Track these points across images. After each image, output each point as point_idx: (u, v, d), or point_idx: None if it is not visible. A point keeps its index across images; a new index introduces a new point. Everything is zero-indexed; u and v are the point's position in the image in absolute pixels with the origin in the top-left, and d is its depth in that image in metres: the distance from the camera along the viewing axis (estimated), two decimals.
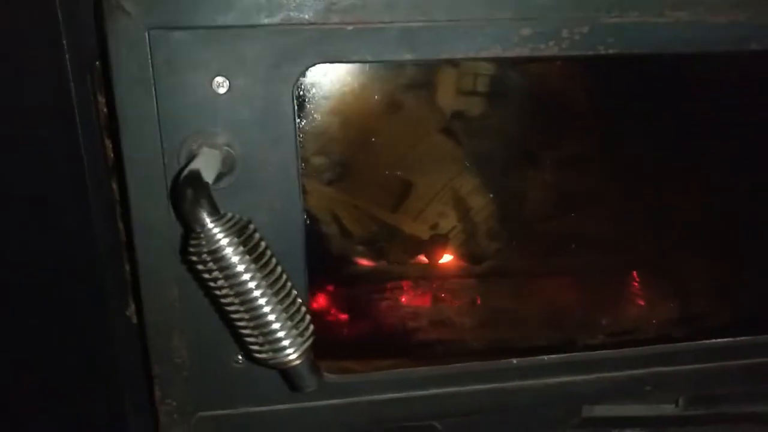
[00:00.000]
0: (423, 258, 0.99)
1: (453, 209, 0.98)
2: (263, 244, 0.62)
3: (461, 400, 0.88)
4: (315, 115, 0.82)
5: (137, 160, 0.71)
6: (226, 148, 0.72)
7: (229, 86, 0.70)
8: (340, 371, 0.86)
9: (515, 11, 0.71)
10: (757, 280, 1.00)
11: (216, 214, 0.60)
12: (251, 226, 0.62)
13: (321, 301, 0.93)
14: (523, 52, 0.73)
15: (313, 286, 0.84)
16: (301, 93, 0.80)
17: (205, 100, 0.70)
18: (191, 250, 0.60)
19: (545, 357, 0.89)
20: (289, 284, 0.63)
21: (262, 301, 0.60)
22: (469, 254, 1.01)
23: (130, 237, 0.75)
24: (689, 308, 1.04)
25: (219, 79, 0.70)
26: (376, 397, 0.86)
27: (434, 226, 0.99)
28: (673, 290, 1.06)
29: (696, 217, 1.00)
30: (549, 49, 0.74)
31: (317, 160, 0.83)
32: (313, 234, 0.88)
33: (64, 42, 0.74)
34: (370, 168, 0.89)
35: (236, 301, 0.60)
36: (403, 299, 1.00)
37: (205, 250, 0.58)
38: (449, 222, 0.99)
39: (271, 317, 0.61)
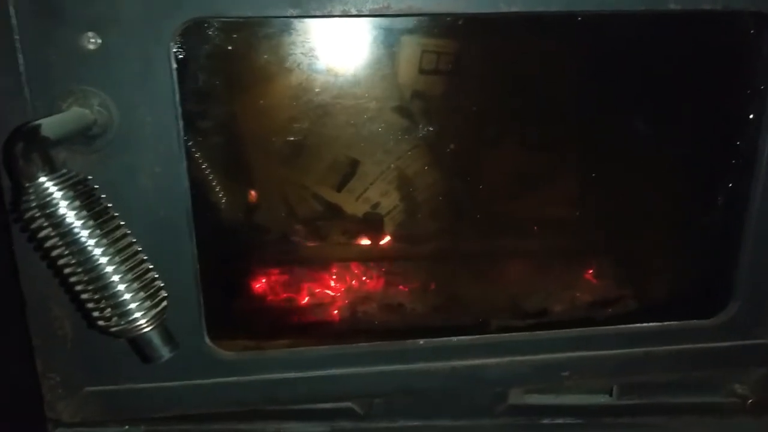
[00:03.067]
0: (337, 236, 0.96)
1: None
2: (104, 203, 0.59)
3: (363, 382, 0.84)
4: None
5: (4, 121, 0.68)
6: (98, 108, 0.69)
7: (101, 42, 0.68)
8: (238, 349, 0.83)
9: None
10: (686, 261, 0.95)
11: (48, 169, 0.57)
12: (89, 183, 0.59)
13: (224, 275, 0.90)
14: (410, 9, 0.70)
15: (213, 260, 0.81)
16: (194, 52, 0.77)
17: (75, 57, 0.67)
18: (22, 207, 0.56)
19: (453, 338, 0.85)
20: (136, 248, 0.60)
21: (103, 260, 0.57)
22: (390, 233, 0.98)
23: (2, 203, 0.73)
24: (613, 290, 0.99)
25: (89, 34, 0.67)
26: (271, 376, 0.82)
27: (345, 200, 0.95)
28: (598, 271, 1.01)
29: (625, 195, 0.95)
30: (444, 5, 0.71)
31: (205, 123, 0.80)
32: (212, 206, 0.85)
33: None
34: (272, 135, 0.86)
35: (73, 261, 0.57)
36: (314, 277, 0.96)
37: (34, 204, 0.55)
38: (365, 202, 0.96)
39: (115, 278, 0.58)
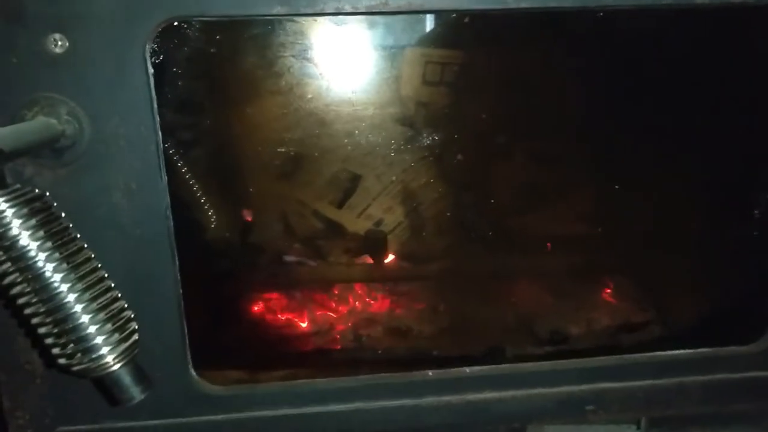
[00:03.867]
0: (338, 256, 0.89)
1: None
2: (64, 222, 0.52)
3: (367, 418, 0.76)
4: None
5: None
6: (67, 118, 0.63)
7: (68, 45, 0.61)
8: (227, 382, 0.75)
9: None
10: (721, 281, 0.87)
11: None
12: (47, 200, 0.52)
13: (210, 301, 0.82)
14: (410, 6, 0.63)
15: (198, 285, 0.74)
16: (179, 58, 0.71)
17: (40, 61, 0.61)
18: None
19: (466, 369, 0.77)
20: (101, 273, 0.53)
21: (63, 287, 0.50)
22: (392, 254, 0.90)
23: None
24: (641, 315, 0.90)
25: (55, 36, 0.61)
26: (264, 413, 0.74)
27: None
28: (624, 294, 0.93)
29: (652, 210, 0.87)
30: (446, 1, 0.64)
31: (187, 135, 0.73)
32: (196, 225, 0.78)
33: None
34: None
35: (28, 289, 0.49)
36: (312, 302, 0.89)
37: None
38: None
39: (77, 308, 0.50)
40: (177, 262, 0.69)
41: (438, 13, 0.74)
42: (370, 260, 0.94)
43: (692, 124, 0.84)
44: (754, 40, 0.78)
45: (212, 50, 0.69)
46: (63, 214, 0.52)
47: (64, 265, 0.50)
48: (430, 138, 0.86)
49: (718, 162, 0.85)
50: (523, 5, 0.66)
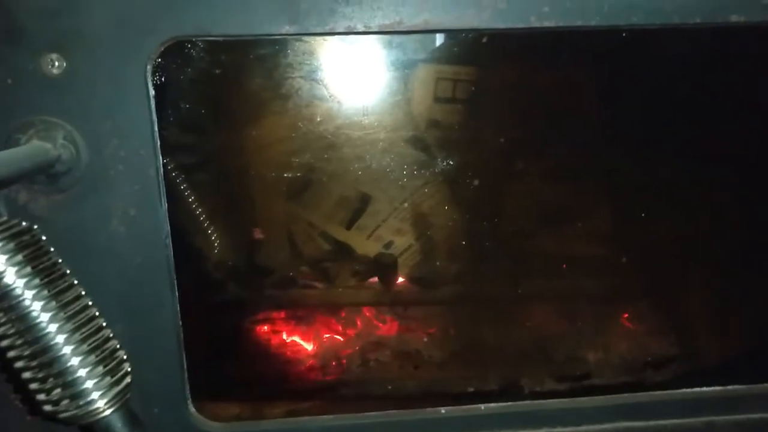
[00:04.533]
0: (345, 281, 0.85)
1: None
2: (53, 257, 0.48)
3: None
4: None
5: None
6: (63, 142, 0.59)
7: (66, 66, 0.58)
8: (228, 419, 0.71)
9: None
10: (753, 313, 0.83)
11: None
12: (36, 233, 0.48)
13: (211, 333, 0.78)
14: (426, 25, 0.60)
15: (199, 316, 0.70)
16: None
17: (35, 83, 0.58)
18: None
19: (482, 406, 0.72)
20: (92, 312, 0.49)
21: (51, 328, 0.46)
22: (394, 281, 0.87)
23: None
24: (667, 348, 0.86)
25: (52, 56, 0.58)
26: None
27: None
28: (649, 327, 0.88)
29: (689, 247, 0.83)
30: (465, 19, 0.60)
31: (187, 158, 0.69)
32: (196, 254, 0.75)
33: None
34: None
35: (12, 331, 0.46)
36: (317, 334, 0.85)
37: None
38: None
39: (66, 351, 0.47)
40: (177, 293, 0.65)
41: (455, 33, 0.70)
42: (378, 283, 0.90)
43: (721, 147, 0.80)
44: None
45: (217, 71, 0.66)
46: (52, 249, 0.48)
47: (53, 304, 0.47)
48: (442, 159, 0.82)
49: (751, 192, 0.81)
50: (547, 24, 0.62)
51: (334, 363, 0.84)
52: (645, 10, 0.63)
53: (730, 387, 0.76)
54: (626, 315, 0.91)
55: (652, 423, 0.75)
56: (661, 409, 0.75)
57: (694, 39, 0.73)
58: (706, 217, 0.84)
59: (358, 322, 0.90)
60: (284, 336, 0.85)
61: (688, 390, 0.76)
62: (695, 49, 0.75)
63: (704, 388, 0.76)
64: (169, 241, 0.64)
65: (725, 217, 0.85)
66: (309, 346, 0.85)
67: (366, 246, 0.88)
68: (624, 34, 0.68)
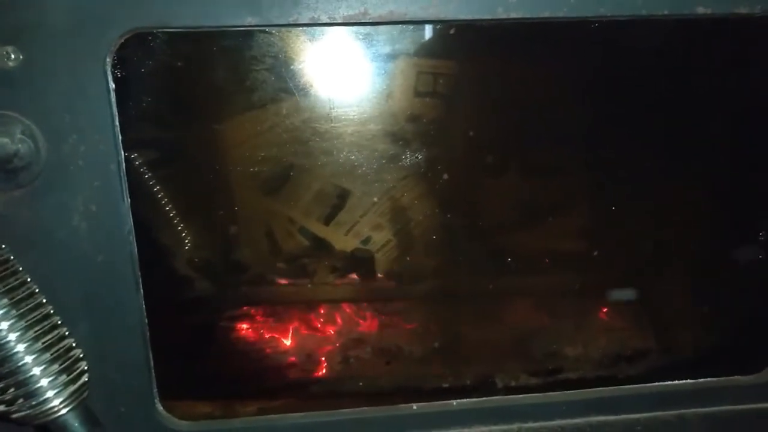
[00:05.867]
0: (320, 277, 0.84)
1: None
2: (4, 254, 0.47)
3: None
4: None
5: None
6: (21, 137, 0.58)
7: (22, 59, 0.57)
8: (196, 417, 0.70)
9: None
10: (725, 308, 0.83)
11: None
12: None
13: (178, 330, 0.77)
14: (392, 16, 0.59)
15: (165, 313, 0.69)
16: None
17: None
18: None
19: (453, 402, 0.72)
20: (48, 310, 0.49)
21: (2, 325, 0.46)
22: (367, 276, 0.86)
23: None
24: (639, 342, 0.86)
25: (8, 49, 0.57)
26: None
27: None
28: (621, 321, 0.88)
29: (661, 242, 0.83)
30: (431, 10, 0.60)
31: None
32: (161, 250, 0.73)
33: None
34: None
35: None
36: (288, 329, 0.84)
37: None
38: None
39: (19, 349, 0.46)
40: (141, 289, 0.64)
41: (421, 24, 0.70)
42: (356, 279, 0.89)
43: (696, 144, 0.80)
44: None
45: (179, 64, 0.65)
46: (3, 246, 0.47)
47: (4, 301, 0.46)
48: (420, 153, 0.82)
49: (722, 187, 0.81)
50: (514, 15, 0.62)
51: (306, 360, 0.84)
52: (613, 1, 0.63)
53: (700, 380, 0.76)
54: (601, 310, 0.91)
55: (623, 417, 0.75)
56: (632, 402, 0.75)
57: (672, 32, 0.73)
58: (679, 212, 0.84)
59: (337, 318, 0.89)
60: (256, 333, 0.84)
61: (660, 384, 0.76)
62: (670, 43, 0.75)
63: (675, 382, 0.76)
64: (132, 237, 0.62)
65: (699, 212, 0.85)
66: (281, 344, 0.84)
67: (344, 242, 0.87)
68: (595, 25, 0.68)
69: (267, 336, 0.84)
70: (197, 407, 0.73)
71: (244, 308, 0.83)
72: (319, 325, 0.86)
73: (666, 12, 0.64)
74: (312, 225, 0.86)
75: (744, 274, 0.81)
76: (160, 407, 0.68)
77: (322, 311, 0.89)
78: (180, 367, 0.75)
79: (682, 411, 0.75)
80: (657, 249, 0.84)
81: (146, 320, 0.65)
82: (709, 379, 0.76)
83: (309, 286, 0.83)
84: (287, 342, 0.84)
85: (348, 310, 0.90)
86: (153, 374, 0.67)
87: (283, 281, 0.83)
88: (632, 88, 0.80)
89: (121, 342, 0.65)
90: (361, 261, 0.88)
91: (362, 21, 0.60)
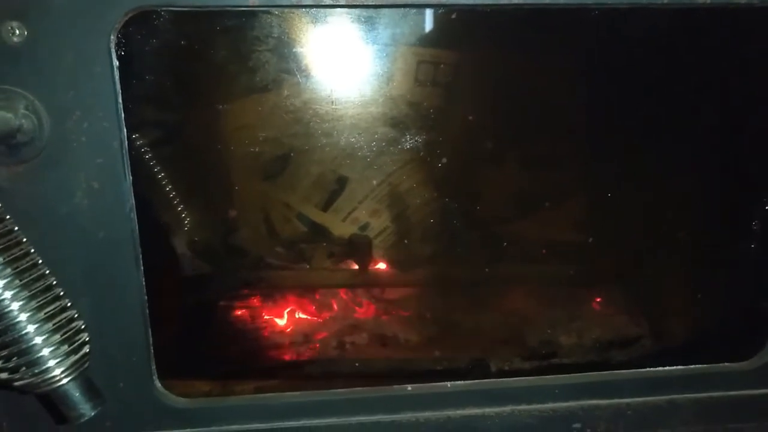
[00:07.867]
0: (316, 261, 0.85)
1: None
2: (8, 225, 0.48)
3: None
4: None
5: None
6: (24, 112, 0.58)
7: (27, 35, 0.57)
8: (194, 395, 0.71)
9: None
10: (716, 295, 0.84)
11: None
12: None
13: (177, 308, 0.78)
14: None
15: (164, 291, 0.70)
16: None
17: None
18: None
19: (447, 384, 0.73)
20: (51, 281, 0.49)
21: (6, 295, 0.46)
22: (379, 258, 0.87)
23: None
24: (631, 328, 0.87)
25: (12, 24, 0.57)
26: (233, 427, 0.70)
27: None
28: (614, 307, 0.89)
29: (653, 229, 0.84)
30: None
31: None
32: (162, 228, 0.74)
33: None
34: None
35: None
36: (286, 310, 0.85)
37: None
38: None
39: (21, 318, 0.47)
40: (142, 267, 0.65)
41: (428, 8, 0.70)
42: (354, 265, 0.90)
43: (688, 133, 0.80)
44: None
45: (183, 42, 0.65)
46: (8, 217, 0.48)
47: (8, 271, 0.46)
48: (420, 140, 0.82)
49: (713, 175, 0.82)
50: (515, 1, 0.62)
51: (303, 341, 0.84)
52: None
53: (691, 366, 0.77)
54: (594, 299, 0.92)
55: (615, 401, 0.76)
56: (624, 387, 0.76)
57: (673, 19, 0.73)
58: (670, 199, 0.85)
59: (333, 303, 0.90)
60: (254, 314, 0.85)
61: (651, 369, 0.77)
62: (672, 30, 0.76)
63: (667, 368, 0.77)
64: (134, 215, 0.63)
65: (690, 199, 0.86)
66: (278, 325, 0.85)
67: (341, 228, 0.88)
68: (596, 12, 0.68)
69: (264, 317, 0.85)
70: (195, 385, 0.74)
71: (243, 290, 0.84)
72: (316, 308, 0.87)
73: (666, 0, 0.65)
74: (310, 211, 0.87)
75: (736, 261, 0.82)
76: (158, 384, 0.69)
77: (318, 297, 0.90)
78: (178, 345, 0.76)
79: (673, 396, 0.76)
80: (649, 236, 0.85)
81: (146, 298, 0.66)
82: (700, 365, 0.77)
83: (308, 267, 0.84)
84: (284, 323, 0.85)
85: (344, 295, 0.91)
86: (152, 351, 0.67)
87: (282, 264, 0.83)
88: (632, 77, 0.80)
89: (120, 318, 0.65)
90: (358, 246, 0.88)
91: (367, 3, 0.61)
